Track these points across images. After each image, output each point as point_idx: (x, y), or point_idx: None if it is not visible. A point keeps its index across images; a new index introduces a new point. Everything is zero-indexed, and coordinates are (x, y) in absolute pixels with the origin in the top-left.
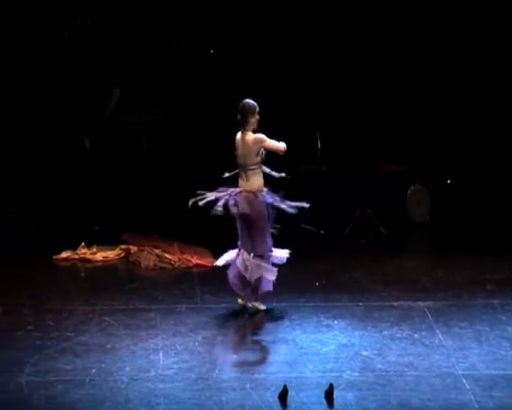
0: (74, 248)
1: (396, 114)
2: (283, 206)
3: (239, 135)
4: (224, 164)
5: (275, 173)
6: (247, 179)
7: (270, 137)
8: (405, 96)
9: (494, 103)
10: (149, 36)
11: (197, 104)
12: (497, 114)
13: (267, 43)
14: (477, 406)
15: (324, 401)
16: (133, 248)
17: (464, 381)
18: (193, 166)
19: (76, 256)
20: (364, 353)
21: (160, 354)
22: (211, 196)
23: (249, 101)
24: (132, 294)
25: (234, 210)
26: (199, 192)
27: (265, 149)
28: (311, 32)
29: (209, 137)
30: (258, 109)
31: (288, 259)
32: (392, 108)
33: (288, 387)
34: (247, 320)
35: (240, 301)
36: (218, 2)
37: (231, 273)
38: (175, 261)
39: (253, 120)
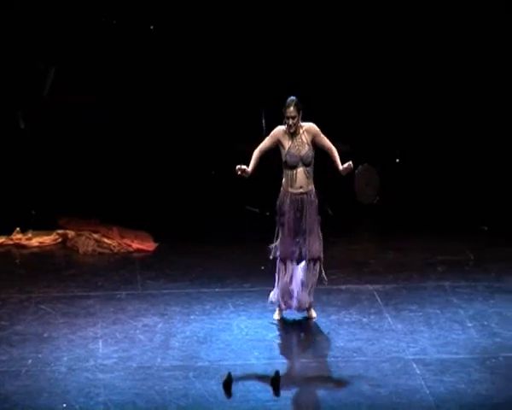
0: (9, 233)
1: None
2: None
3: None
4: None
5: None
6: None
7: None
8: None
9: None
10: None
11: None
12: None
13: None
14: (427, 391)
15: (270, 388)
16: (70, 233)
17: (414, 366)
18: (133, 147)
19: (10, 242)
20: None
21: (100, 343)
22: None
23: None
24: (70, 281)
25: None
26: None
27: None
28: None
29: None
30: (285, 107)
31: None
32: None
33: (232, 375)
34: (189, 306)
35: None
36: None
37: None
38: (114, 246)
39: (285, 119)
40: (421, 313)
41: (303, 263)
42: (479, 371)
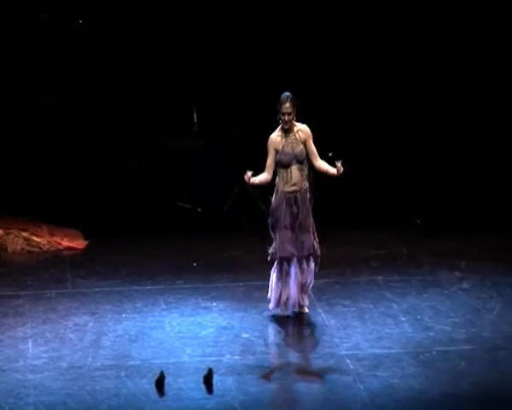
0: None
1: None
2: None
3: None
4: None
5: None
6: None
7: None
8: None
9: None
10: None
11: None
12: None
13: None
14: (361, 386)
15: (203, 386)
16: None
17: (348, 361)
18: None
19: None
20: (245, 335)
21: (29, 343)
22: None
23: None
24: None
25: None
26: None
27: None
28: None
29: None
30: (280, 103)
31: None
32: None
33: (164, 373)
34: (120, 304)
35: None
36: None
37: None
38: (44, 244)
39: (279, 115)
40: (354, 308)
41: (296, 262)
42: (412, 365)
